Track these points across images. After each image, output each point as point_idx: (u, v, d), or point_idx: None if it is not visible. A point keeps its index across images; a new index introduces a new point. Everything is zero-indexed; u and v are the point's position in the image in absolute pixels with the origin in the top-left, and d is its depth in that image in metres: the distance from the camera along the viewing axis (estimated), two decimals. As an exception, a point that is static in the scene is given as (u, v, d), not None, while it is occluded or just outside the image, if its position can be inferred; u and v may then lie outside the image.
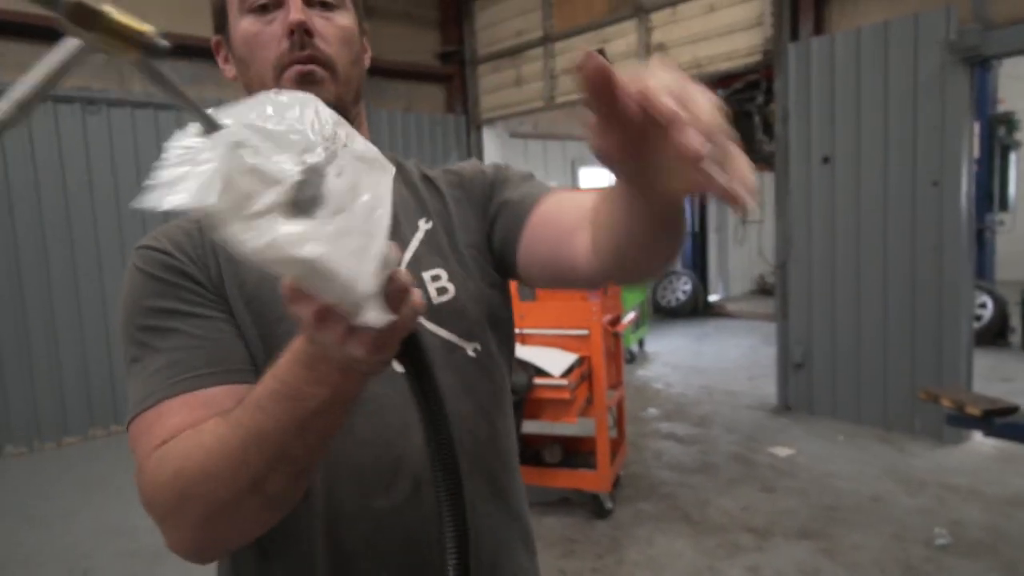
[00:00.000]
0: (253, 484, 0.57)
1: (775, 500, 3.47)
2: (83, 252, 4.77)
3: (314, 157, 0.43)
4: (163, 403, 0.65)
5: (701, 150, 0.37)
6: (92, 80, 4.85)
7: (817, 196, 4.65)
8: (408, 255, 0.81)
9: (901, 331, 4.32)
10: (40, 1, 0.37)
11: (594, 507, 3.32)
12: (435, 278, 0.80)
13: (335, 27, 0.78)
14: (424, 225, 0.84)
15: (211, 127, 0.43)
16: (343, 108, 0.77)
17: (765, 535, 3.10)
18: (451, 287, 0.80)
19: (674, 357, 6.86)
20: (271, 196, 0.41)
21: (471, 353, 0.81)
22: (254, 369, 0.70)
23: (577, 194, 0.81)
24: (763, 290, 10.58)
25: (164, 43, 0.41)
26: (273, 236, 0.40)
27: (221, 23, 0.81)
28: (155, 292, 0.71)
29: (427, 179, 0.91)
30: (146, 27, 0.40)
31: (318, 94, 0.71)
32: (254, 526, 0.62)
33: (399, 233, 0.82)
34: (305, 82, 0.75)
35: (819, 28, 4.61)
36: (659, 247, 0.65)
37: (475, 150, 7.04)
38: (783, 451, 4.13)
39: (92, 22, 0.38)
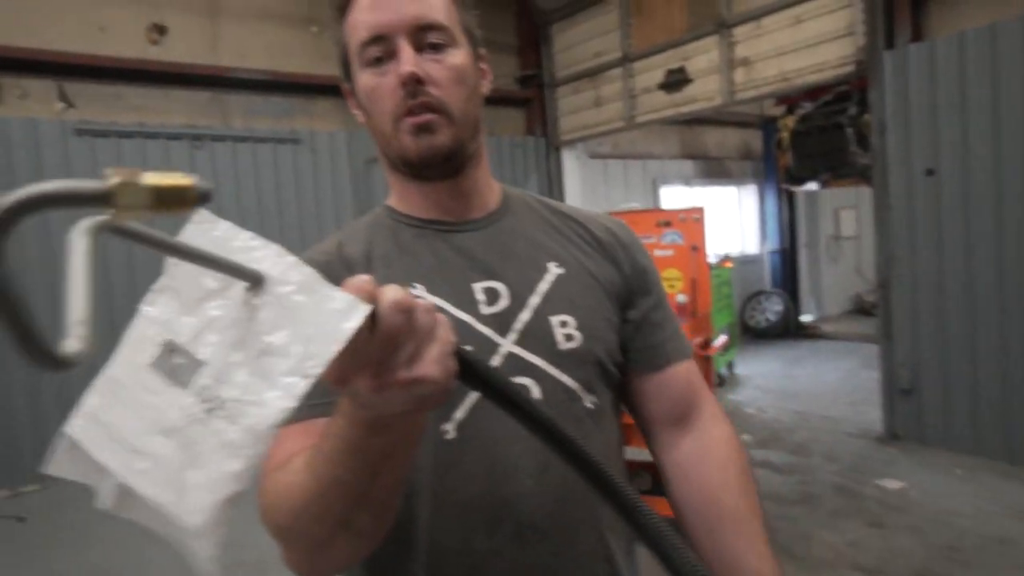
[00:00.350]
0: (341, 524, 0.59)
1: (886, 537, 3.22)
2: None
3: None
4: (289, 426, 0.67)
5: None
6: (197, 117, 5.20)
7: (920, 210, 4.36)
8: (536, 299, 0.80)
9: (1021, 352, 3.96)
10: (86, 201, 0.33)
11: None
12: (563, 324, 0.79)
13: (447, 68, 0.78)
14: (555, 269, 0.83)
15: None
16: (461, 148, 0.80)
17: (877, 575, 2.88)
18: (578, 335, 0.79)
19: (766, 381, 6.56)
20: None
21: (589, 405, 0.80)
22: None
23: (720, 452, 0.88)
24: (861, 310, 10.00)
25: (208, 187, 0.38)
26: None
27: (347, 73, 0.84)
28: None
29: (563, 216, 0.91)
30: (189, 180, 0.37)
31: (435, 142, 0.77)
32: (353, 554, 0.65)
33: (528, 272, 0.82)
34: (422, 132, 0.77)
35: (917, 35, 4.36)
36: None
37: (555, 172, 7.06)
38: (892, 484, 3.85)
39: (140, 199, 0.34)
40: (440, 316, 0.49)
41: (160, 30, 5.01)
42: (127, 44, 4.86)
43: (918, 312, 4.44)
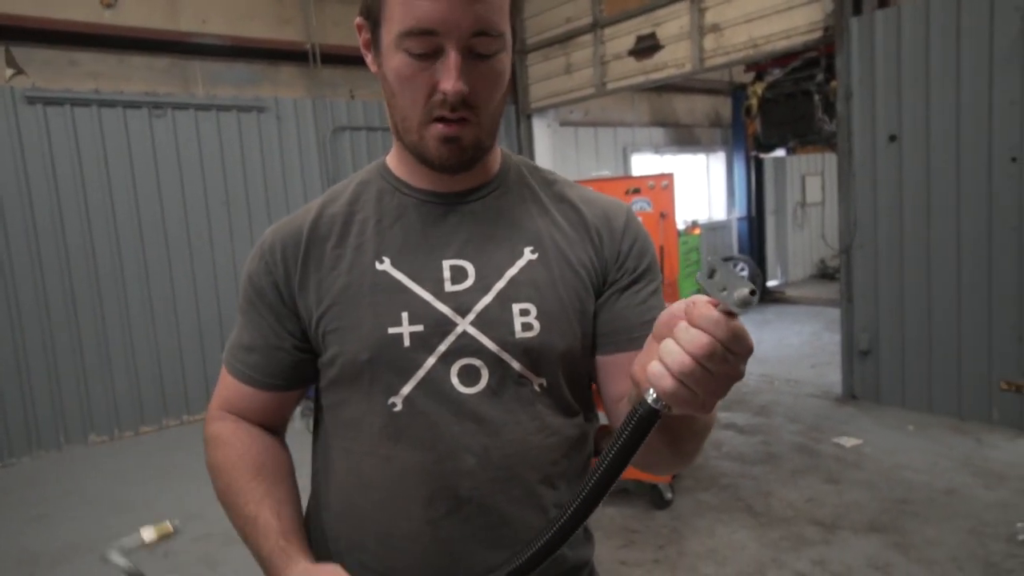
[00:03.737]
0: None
1: (842, 492, 3.37)
2: (153, 249, 4.99)
3: None
4: (230, 375, 0.88)
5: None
6: (157, 84, 5.04)
7: (883, 176, 4.45)
8: (501, 283, 0.79)
9: (976, 317, 4.11)
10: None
11: (653, 498, 3.30)
12: (524, 312, 0.78)
13: (493, 76, 0.74)
14: (529, 254, 0.81)
15: None
16: (483, 149, 0.79)
17: (832, 528, 3.02)
18: (537, 325, 0.78)
19: (732, 345, 6.70)
20: None
21: (537, 388, 0.80)
22: (293, 380, 0.87)
23: None
24: (824, 275, 10.23)
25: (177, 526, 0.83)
26: None
27: (371, 16, 0.76)
28: (253, 284, 0.85)
29: (559, 198, 0.88)
30: (170, 526, 0.58)
31: (462, 155, 0.77)
32: None
33: (500, 255, 0.81)
34: (450, 142, 0.75)
35: (884, 0, 4.40)
36: (651, 466, 0.81)
37: (525, 140, 7.02)
38: (849, 441, 4.00)
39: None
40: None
41: (114, -8, 4.82)
42: (80, 7, 4.67)
43: (878, 276, 4.57)
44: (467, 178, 0.83)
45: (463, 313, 0.77)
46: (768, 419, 4.52)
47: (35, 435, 4.57)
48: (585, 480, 0.63)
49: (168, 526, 0.82)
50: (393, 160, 0.87)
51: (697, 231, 7.09)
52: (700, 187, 9.63)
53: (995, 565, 2.66)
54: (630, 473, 3.08)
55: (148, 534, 0.84)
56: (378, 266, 0.79)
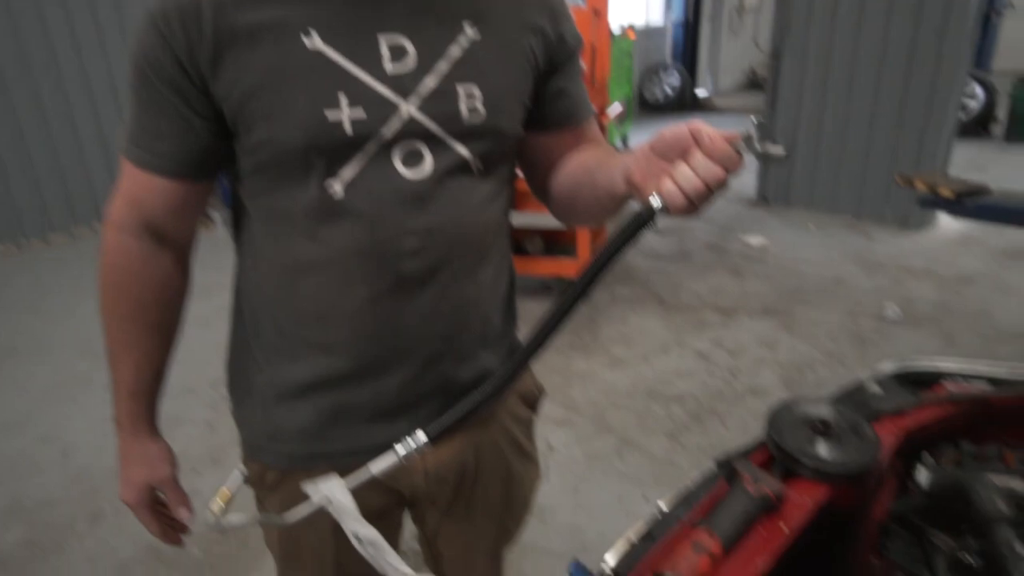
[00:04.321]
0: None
1: (743, 284, 3.70)
2: (30, 33, 4.44)
3: None
4: (130, 164, 0.78)
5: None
6: None
7: (820, -25, 4.33)
8: (445, 64, 0.74)
9: (889, 119, 4.30)
10: None
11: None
12: (469, 95, 0.75)
13: None
14: (471, 31, 0.75)
15: None
16: None
17: (730, 314, 3.35)
18: (482, 110, 0.76)
19: (657, 153, 6.82)
20: None
21: (476, 173, 0.79)
22: (205, 169, 0.78)
23: (599, 145, 0.90)
24: (754, 84, 10.24)
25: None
26: None
27: None
28: (149, 60, 0.71)
29: None
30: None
31: None
32: None
33: (441, 31, 0.74)
34: None
35: None
36: (593, 215, 0.86)
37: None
38: (756, 240, 4.31)
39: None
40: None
41: None
42: None
43: (804, 83, 4.63)
44: None
45: (405, 95, 0.72)
46: (684, 221, 4.76)
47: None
48: (585, 268, 0.70)
49: (226, 491, 0.82)
50: None
51: (632, 35, 6.83)
52: (637, -14, 9.11)
53: (864, 338, 3.06)
54: (551, 269, 3.24)
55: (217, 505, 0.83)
56: (306, 41, 0.70)
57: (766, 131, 0.57)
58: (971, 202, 2.54)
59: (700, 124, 0.64)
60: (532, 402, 1.05)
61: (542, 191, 0.93)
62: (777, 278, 3.74)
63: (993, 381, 0.97)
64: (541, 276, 3.61)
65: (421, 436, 0.77)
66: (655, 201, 0.65)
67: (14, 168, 4.53)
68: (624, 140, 6.82)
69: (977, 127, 6.64)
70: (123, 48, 4.78)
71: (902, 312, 3.26)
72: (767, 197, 5.02)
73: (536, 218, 3.36)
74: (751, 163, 0.68)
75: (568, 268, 3.42)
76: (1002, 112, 6.66)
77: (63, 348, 3.20)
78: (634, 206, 0.69)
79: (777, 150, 0.64)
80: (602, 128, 3.56)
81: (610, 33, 4.11)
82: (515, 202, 0.95)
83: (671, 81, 8.71)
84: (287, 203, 0.75)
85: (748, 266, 3.93)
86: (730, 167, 0.62)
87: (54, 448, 2.44)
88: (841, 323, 3.21)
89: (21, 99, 4.48)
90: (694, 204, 0.64)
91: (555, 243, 3.58)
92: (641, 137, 7.28)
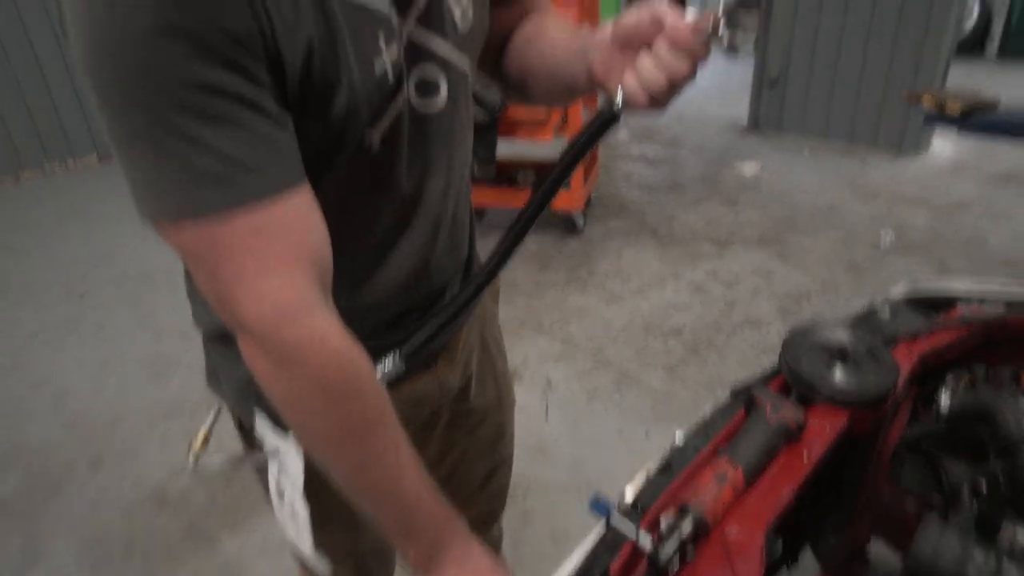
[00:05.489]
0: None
1: (737, 213, 3.66)
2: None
3: None
4: (233, 215, 0.50)
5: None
6: None
7: None
8: None
9: (885, 37, 4.18)
10: None
11: (567, 226, 3.48)
12: (457, 1, 0.66)
13: None
14: None
15: None
16: None
17: (725, 244, 3.33)
18: (470, 14, 0.68)
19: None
20: None
21: (469, 86, 0.73)
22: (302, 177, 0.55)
23: (548, 15, 0.81)
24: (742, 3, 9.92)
25: None
26: None
27: None
28: (197, 55, 0.46)
29: None
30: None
31: None
32: None
33: None
34: None
35: None
36: (551, 100, 0.83)
37: None
38: (749, 168, 4.24)
39: None
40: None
41: None
42: None
43: (798, 5, 4.46)
44: None
45: (403, 9, 0.60)
46: (676, 151, 4.67)
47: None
48: (553, 167, 0.67)
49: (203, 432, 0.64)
50: None
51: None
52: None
53: (858, 266, 3.06)
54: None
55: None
56: None
57: (735, 11, 0.49)
58: (980, 118, 2.48)
59: (664, 7, 0.57)
60: (497, 297, 1.05)
61: (493, 69, 0.84)
62: (771, 207, 3.70)
63: (1009, 304, 0.95)
64: (533, 210, 3.54)
65: (399, 356, 0.74)
66: (617, 99, 0.61)
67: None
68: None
69: (972, 45, 6.49)
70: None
71: (895, 239, 3.25)
72: (759, 123, 4.93)
73: (529, 148, 3.28)
74: (742, 88, 0.63)
75: (562, 200, 3.36)
76: (997, 28, 6.50)
77: (45, 290, 3.13)
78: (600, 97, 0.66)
79: (747, 36, 0.58)
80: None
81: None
82: (508, 130, 0.91)
83: (660, 5, 8.42)
84: (319, 168, 0.60)
85: (742, 195, 3.88)
86: (696, 59, 0.57)
87: (46, 393, 2.42)
88: (835, 251, 3.19)
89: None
90: (658, 100, 0.59)
91: (548, 175, 3.49)
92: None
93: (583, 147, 0.65)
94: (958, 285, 1.02)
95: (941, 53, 4.01)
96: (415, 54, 0.63)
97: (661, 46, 0.57)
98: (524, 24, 0.81)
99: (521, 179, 3.40)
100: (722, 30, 0.56)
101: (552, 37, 0.77)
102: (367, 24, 0.57)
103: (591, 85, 0.67)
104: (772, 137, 4.79)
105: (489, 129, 2.84)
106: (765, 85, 4.79)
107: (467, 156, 0.77)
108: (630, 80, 0.59)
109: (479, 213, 3.42)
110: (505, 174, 3.34)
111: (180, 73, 0.46)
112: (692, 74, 0.58)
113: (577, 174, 3.27)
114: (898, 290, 1.03)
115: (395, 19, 0.60)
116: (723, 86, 6.23)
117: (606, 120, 0.63)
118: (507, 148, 3.11)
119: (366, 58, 0.57)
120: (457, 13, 0.67)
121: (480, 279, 0.74)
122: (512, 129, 3.10)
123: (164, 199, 0.50)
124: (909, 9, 4.02)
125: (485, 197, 3.23)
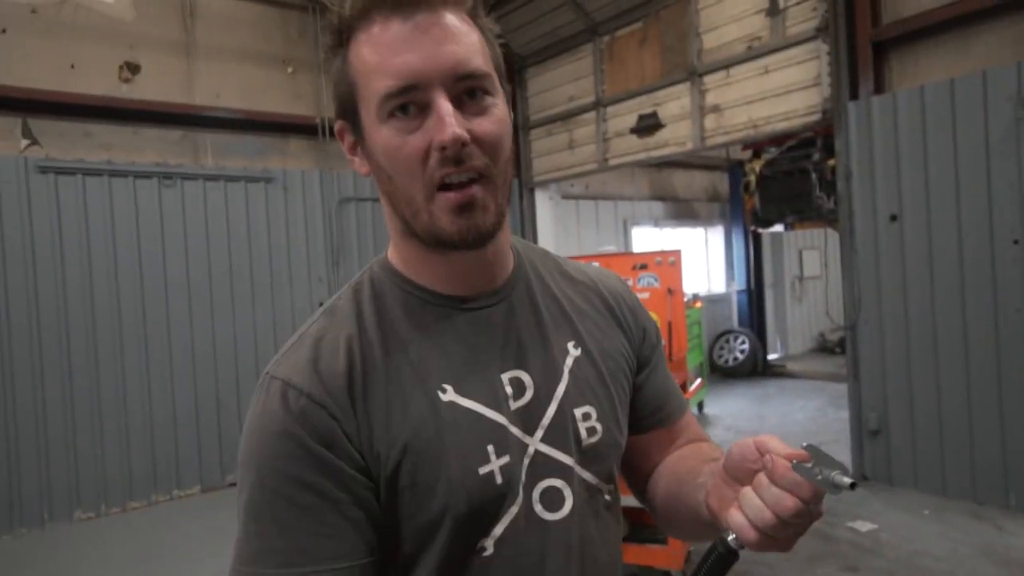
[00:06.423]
0: None
1: (862, 583, 3.23)
2: (154, 319, 4.94)
3: None
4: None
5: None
6: (168, 155, 5.13)
7: (886, 255, 4.50)
8: (560, 389, 0.72)
9: (986, 398, 4.06)
10: None
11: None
12: (585, 416, 0.73)
13: (492, 124, 0.65)
14: (574, 351, 0.76)
15: None
16: (499, 214, 0.68)
17: (855, 623, 2.87)
18: (599, 428, 0.74)
19: (736, 421, 6.61)
20: None
21: (607, 497, 0.76)
22: (370, 552, 0.64)
23: (695, 442, 0.86)
24: (824, 348, 10.21)
25: None
26: None
27: (348, 112, 0.69)
28: (296, 456, 0.61)
29: (572, 280, 0.83)
30: None
31: (480, 224, 0.65)
32: None
33: (549, 358, 0.74)
34: (464, 211, 0.64)
35: (879, 87, 4.55)
36: (693, 534, 0.80)
37: (528, 212, 7.12)
38: (864, 526, 3.88)
39: None
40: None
41: (133, 69, 4.96)
42: (98, 82, 4.80)
43: (884, 354, 4.54)
44: (495, 275, 0.74)
45: (531, 431, 0.69)
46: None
47: (18, 512, 4.39)
48: None
49: None
50: (399, 261, 0.74)
51: (698, 304, 7.11)
52: (699, 260, 9.72)
53: (1031, 668, 2.52)
54: (639, 558, 2.92)
55: None
56: (443, 397, 0.67)
57: (821, 456, 0.56)
58: None
59: (768, 440, 0.58)
60: None
61: (643, 498, 0.87)
62: (900, 575, 3.27)
63: None
64: (627, 565, 3.27)
65: None
66: (728, 535, 0.58)
67: (111, 439, 4.75)
68: (700, 406, 6.69)
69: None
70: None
71: (1070, 631, 2.72)
72: (866, 475, 4.64)
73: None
74: (840, 435, 0.60)
75: (658, 558, 3.11)
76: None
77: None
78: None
79: (842, 481, 0.55)
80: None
81: (685, 308, 4.26)
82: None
83: (741, 346, 8.79)
84: (431, 571, 0.66)
85: (862, 558, 3.47)
86: (797, 492, 0.54)
87: None
88: (996, 643, 2.68)
89: (132, 369, 4.86)
90: (769, 536, 0.56)
91: (642, 526, 3.30)
92: (715, 403, 7.16)
93: None
94: None
95: (1056, 411, 3.83)
96: (539, 466, 0.69)
97: (763, 480, 0.56)
98: (675, 457, 0.83)
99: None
100: (816, 469, 0.55)
101: (688, 467, 0.78)
102: (474, 432, 0.66)
103: (712, 518, 0.65)
104: (883, 491, 4.46)
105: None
106: (865, 435, 4.63)
107: (596, 567, 0.74)
108: (737, 517, 0.57)
109: None
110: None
111: (285, 467, 0.61)
112: (804, 511, 0.55)
113: (676, 529, 3.06)
114: None
115: (523, 436, 0.69)
116: (819, 428, 6.08)
117: (720, 556, 0.59)
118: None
119: (469, 466, 0.65)
120: (583, 429, 0.72)
121: None
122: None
123: (241, 558, 0.63)
124: (1005, 371, 3.98)
125: None
